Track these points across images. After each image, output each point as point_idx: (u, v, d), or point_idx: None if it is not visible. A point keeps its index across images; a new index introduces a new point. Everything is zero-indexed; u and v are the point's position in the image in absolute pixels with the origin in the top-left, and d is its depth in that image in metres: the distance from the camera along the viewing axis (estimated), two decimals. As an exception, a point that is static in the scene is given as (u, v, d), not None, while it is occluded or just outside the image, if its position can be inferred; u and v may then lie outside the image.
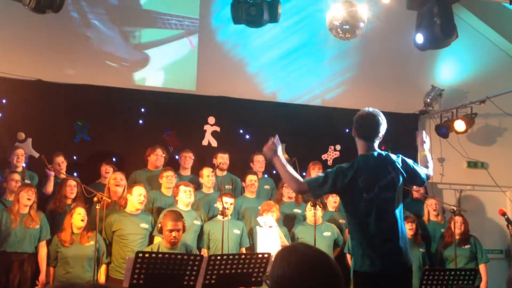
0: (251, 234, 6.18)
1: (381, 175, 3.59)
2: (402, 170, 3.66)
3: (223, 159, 6.80)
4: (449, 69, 8.62)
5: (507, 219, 6.26)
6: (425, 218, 6.93)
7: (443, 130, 8.00)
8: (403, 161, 3.71)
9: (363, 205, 3.54)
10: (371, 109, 3.71)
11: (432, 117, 8.34)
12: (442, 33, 5.01)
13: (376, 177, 3.58)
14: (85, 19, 7.37)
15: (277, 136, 3.82)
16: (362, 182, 3.54)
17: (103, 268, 5.62)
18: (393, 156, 3.70)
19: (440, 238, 6.69)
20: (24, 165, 6.31)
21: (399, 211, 3.63)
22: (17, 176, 5.95)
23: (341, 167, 3.63)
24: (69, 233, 5.48)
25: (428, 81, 8.32)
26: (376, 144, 3.70)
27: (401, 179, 3.64)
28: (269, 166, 7.33)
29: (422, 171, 3.77)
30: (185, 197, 5.93)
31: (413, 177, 3.74)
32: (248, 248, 6.12)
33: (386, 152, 3.74)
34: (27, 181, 6.01)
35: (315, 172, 7.05)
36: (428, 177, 3.82)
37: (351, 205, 3.63)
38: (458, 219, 6.32)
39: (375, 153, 3.66)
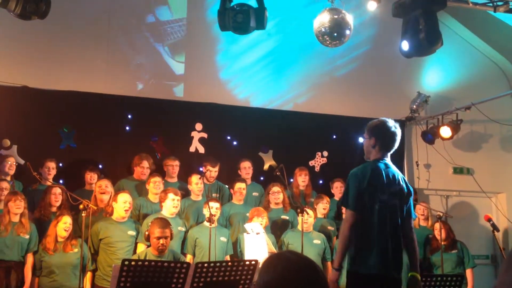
0: (238, 241, 6.15)
1: (391, 183, 3.75)
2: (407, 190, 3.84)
3: (211, 172, 6.71)
4: (435, 76, 8.68)
5: (493, 225, 6.30)
6: (415, 222, 6.96)
7: (429, 137, 8.06)
8: (408, 186, 3.87)
9: (375, 206, 3.65)
10: (393, 122, 3.85)
11: (418, 123, 8.39)
12: (427, 41, 5.04)
13: (388, 183, 3.72)
14: (70, 24, 7.34)
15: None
16: (377, 181, 3.67)
17: (88, 275, 5.57)
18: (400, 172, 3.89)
19: (427, 244, 6.72)
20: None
21: (401, 220, 3.76)
22: (5, 184, 5.86)
23: (355, 172, 3.74)
24: (53, 241, 5.42)
25: (414, 87, 8.37)
26: (389, 155, 3.85)
27: (406, 191, 3.80)
28: (256, 172, 7.34)
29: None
30: (171, 206, 5.88)
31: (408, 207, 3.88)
32: (231, 255, 6.09)
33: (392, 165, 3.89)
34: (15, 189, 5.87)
35: (302, 178, 7.04)
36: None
37: (364, 207, 3.67)
38: (439, 225, 6.36)
39: (387, 162, 3.82)
